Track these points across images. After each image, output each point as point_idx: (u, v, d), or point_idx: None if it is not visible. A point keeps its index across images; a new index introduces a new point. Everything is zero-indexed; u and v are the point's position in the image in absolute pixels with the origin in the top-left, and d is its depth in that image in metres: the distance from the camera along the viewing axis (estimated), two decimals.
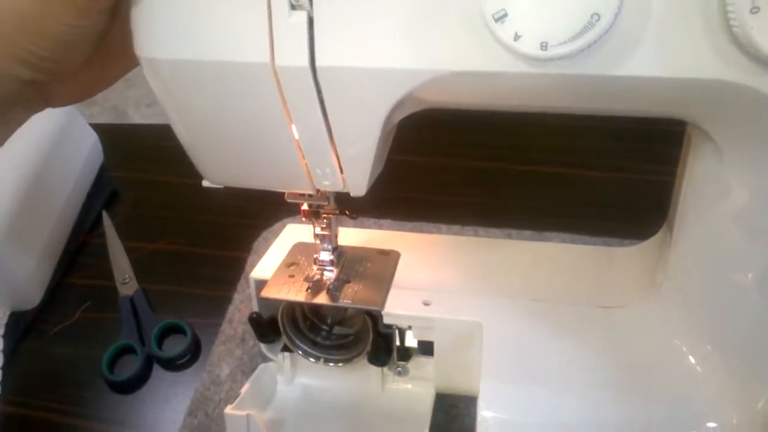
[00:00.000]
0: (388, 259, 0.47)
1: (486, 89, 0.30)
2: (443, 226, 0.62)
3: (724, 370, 0.37)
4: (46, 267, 0.61)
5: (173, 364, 0.54)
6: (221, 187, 0.39)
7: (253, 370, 0.47)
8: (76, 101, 0.37)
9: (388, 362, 0.45)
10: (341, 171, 0.35)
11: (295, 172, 0.35)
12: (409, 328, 0.43)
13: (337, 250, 0.45)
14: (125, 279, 0.60)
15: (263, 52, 0.29)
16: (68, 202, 0.65)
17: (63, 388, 0.53)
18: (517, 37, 0.26)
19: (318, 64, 0.29)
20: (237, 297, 0.57)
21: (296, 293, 0.44)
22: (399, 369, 0.46)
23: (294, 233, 0.50)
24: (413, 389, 0.46)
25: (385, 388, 0.47)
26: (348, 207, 0.42)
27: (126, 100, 1.54)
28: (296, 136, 0.33)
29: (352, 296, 0.43)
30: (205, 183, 0.39)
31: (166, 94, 0.33)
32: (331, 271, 0.45)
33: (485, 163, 0.71)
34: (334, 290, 0.43)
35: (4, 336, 0.56)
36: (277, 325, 0.46)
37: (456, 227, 0.62)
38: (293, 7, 0.28)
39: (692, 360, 0.38)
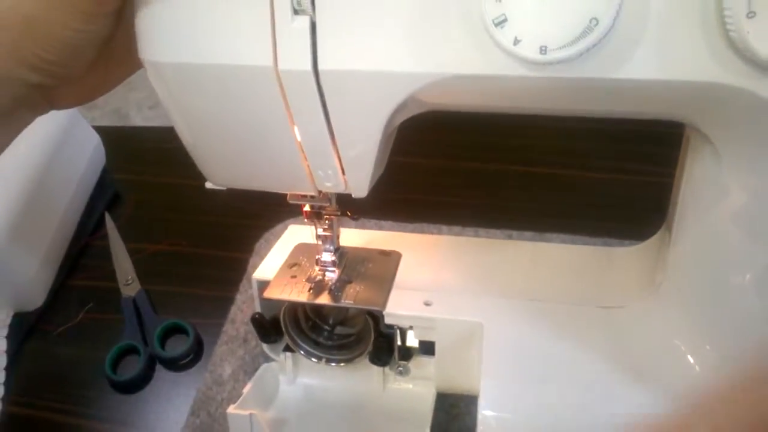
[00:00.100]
0: (390, 259, 0.47)
1: (486, 92, 0.30)
2: (444, 227, 0.62)
3: (722, 369, 0.37)
4: (49, 268, 0.61)
5: (176, 365, 0.54)
6: (224, 188, 0.40)
7: (256, 370, 0.47)
8: (80, 104, 0.37)
9: (390, 362, 0.46)
10: (343, 173, 0.35)
11: (297, 173, 0.36)
12: (411, 328, 0.44)
13: (338, 250, 0.45)
14: (128, 280, 0.60)
15: (266, 55, 0.29)
16: (71, 204, 0.66)
17: (66, 389, 0.53)
18: (516, 42, 0.26)
19: (320, 67, 0.30)
20: (239, 297, 0.58)
21: (298, 294, 0.44)
22: (400, 369, 0.46)
23: (296, 234, 0.51)
24: (414, 389, 0.47)
25: (387, 388, 0.47)
26: (349, 208, 0.42)
27: (128, 103, 1.54)
28: (299, 139, 0.33)
29: (353, 296, 0.43)
30: (208, 185, 0.40)
31: (170, 97, 0.33)
32: (333, 271, 0.45)
33: (485, 165, 0.71)
34: (335, 291, 0.44)
35: (8, 337, 0.56)
36: (279, 326, 0.46)
37: (457, 228, 0.62)
38: (296, 12, 0.29)
39: (691, 359, 0.38)
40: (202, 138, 0.35)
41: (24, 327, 0.58)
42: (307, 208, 0.42)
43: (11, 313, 0.58)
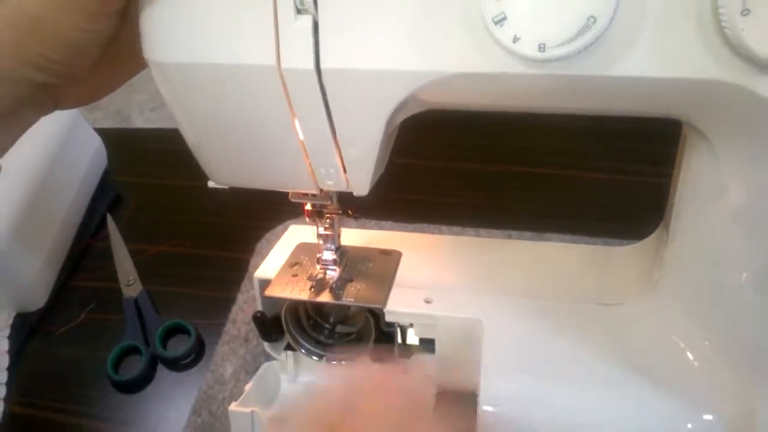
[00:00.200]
0: (390, 258, 0.47)
1: (486, 90, 0.31)
2: (444, 228, 0.62)
3: (720, 364, 0.37)
4: (51, 269, 0.61)
5: (177, 364, 0.55)
6: (227, 187, 0.40)
7: (257, 369, 0.48)
8: (84, 104, 0.37)
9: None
10: (344, 171, 0.36)
11: (299, 172, 0.36)
12: (411, 325, 0.44)
13: (339, 249, 0.46)
14: (129, 281, 0.61)
15: (269, 54, 0.30)
16: (73, 206, 0.66)
17: (68, 389, 0.54)
18: (516, 40, 0.27)
19: (323, 66, 0.30)
20: (240, 297, 0.58)
21: (300, 292, 0.44)
22: None
23: (297, 234, 0.51)
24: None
25: None
26: (350, 207, 0.43)
27: (129, 105, 1.55)
28: (301, 137, 0.34)
29: (354, 294, 0.44)
30: (211, 184, 0.40)
31: (174, 97, 0.34)
32: (334, 270, 0.45)
33: (485, 166, 0.71)
34: (337, 289, 0.44)
35: (10, 337, 0.56)
36: (280, 324, 0.47)
37: (457, 229, 0.62)
38: (299, 12, 0.29)
39: (689, 355, 0.39)
40: (205, 137, 0.36)
41: (26, 327, 0.58)
42: (308, 206, 0.43)
43: (13, 314, 0.58)
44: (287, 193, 0.41)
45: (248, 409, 0.42)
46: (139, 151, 0.79)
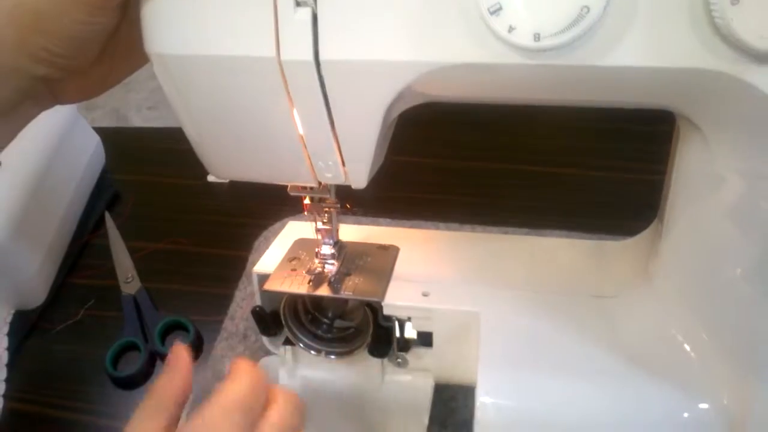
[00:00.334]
0: (388, 253, 0.48)
1: (482, 81, 0.31)
2: (441, 225, 0.63)
3: (715, 354, 0.38)
4: (49, 266, 0.61)
5: None
6: (226, 181, 0.40)
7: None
8: (85, 98, 0.38)
9: (388, 354, 0.46)
10: (343, 163, 0.36)
11: (298, 164, 0.36)
12: (409, 319, 0.44)
13: (338, 243, 0.46)
14: (128, 278, 0.61)
15: (269, 46, 0.30)
16: (71, 204, 0.66)
17: (67, 385, 0.54)
18: (511, 30, 0.27)
19: (321, 57, 0.30)
20: (238, 294, 0.58)
21: (298, 286, 0.44)
22: (399, 360, 0.47)
23: (295, 230, 0.51)
24: (413, 380, 0.47)
25: (385, 380, 0.48)
26: (348, 202, 0.43)
27: (127, 104, 1.55)
28: (300, 129, 0.34)
29: (353, 288, 0.44)
30: (211, 178, 0.40)
31: (175, 89, 0.34)
32: (333, 264, 0.46)
33: (482, 163, 0.72)
34: (335, 283, 0.44)
35: (9, 334, 0.56)
36: (279, 319, 0.47)
37: (454, 226, 0.63)
38: (298, 4, 0.30)
39: (685, 345, 0.39)
40: (205, 130, 0.36)
41: (25, 324, 0.58)
42: (307, 200, 0.43)
43: (12, 311, 0.58)
44: (285, 191, 0.42)
45: None
46: (137, 150, 0.79)
